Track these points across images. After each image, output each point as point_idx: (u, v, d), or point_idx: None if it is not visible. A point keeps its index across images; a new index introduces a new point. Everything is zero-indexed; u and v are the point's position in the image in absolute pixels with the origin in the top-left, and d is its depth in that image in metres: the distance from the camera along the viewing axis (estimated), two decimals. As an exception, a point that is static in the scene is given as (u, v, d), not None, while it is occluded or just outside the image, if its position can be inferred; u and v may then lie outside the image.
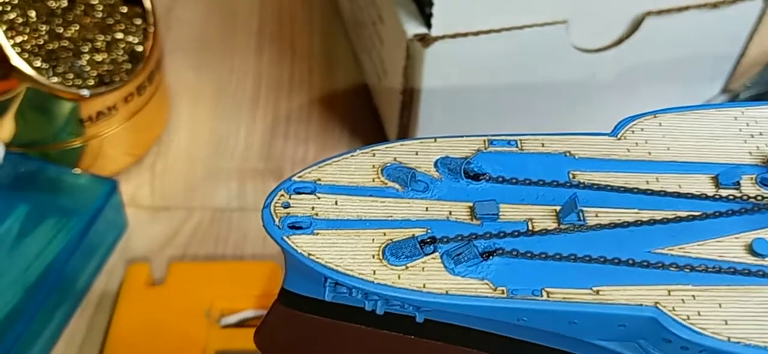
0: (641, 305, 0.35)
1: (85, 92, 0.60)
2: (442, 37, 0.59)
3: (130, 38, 0.63)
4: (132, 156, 0.67)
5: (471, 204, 0.38)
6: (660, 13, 0.63)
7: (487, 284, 0.35)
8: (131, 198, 0.65)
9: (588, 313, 0.35)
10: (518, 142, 0.40)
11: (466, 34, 0.60)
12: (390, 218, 0.37)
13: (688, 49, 0.66)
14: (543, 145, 0.40)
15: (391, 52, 0.64)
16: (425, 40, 0.59)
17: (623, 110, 0.64)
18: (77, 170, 0.62)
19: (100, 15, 0.63)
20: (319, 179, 0.38)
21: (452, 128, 0.64)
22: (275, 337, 0.43)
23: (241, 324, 0.57)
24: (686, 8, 0.63)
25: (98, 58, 0.62)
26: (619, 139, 0.41)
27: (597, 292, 0.35)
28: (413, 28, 0.60)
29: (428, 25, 0.59)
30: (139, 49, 0.63)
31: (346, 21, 0.77)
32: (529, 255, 0.36)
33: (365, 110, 0.71)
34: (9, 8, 0.58)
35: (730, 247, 0.37)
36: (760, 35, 0.67)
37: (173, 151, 0.69)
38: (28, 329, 0.54)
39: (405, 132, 0.66)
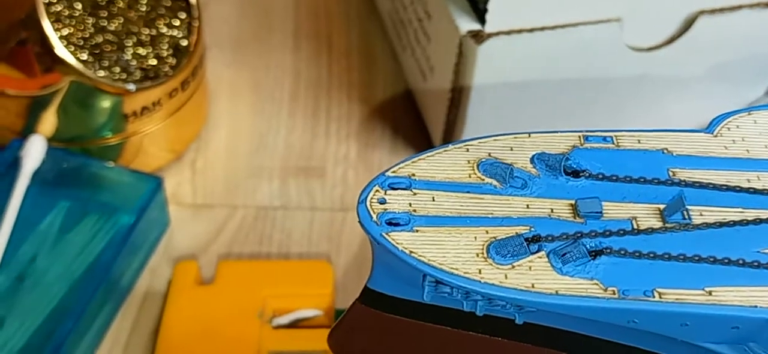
0: (756, 306, 0.33)
1: (131, 87, 0.58)
2: (497, 34, 0.58)
3: (175, 32, 0.62)
4: (173, 153, 0.65)
5: (572, 201, 0.36)
6: (713, 12, 0.62)
7: (597, 284, 0.33)
8: (172, 195, 0.63)
9: (702, 315, 0.33)
10: (614, 139, 0.39)
11: (520, 31, 0.59)
12: (491, 215, 0.36)
13: (738, 49, 0.65)
14: (639, 142, 0.39)
15: (439, 49, 0.62)
16: (479, 36, 0.57)
17: (672, 108, 0.63)
18: (121, 166, 0.60)
19: (144, 8, 0.61)
20: (414, 174, 0.37)
21: (501, 126, 0.62)
22: (353, 338, 0.41)
23: (294, 324, 0.55)
24: (739, 7, 0.62)
25: (142, 52, 0.60)
26: (716, 136, 0.39)
27: (710, 293, 0.34)
28: (466, 24, 0.58)
29: (482, 21, 0.57)
30: (184, 43, 0.62)
31: (384, 18, 0.75)
32: (637, 254, 0.34)
33: (406, 108, 0.69)
34: (55, 0, 0.56)
35: None
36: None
37: (213, 148, 0.67)
38: (75, 327, 0.52)
39: (451, 130, 0.64)
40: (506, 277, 0.34)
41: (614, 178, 0.37)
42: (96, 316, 0.55)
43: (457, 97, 0.62)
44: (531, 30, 0.59)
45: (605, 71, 0.63)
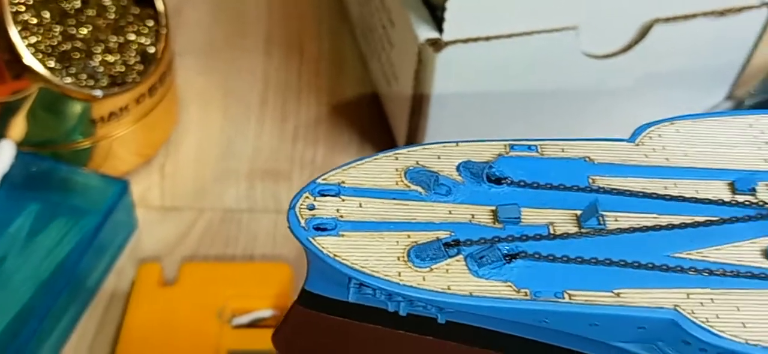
0: (661, 308, 0.36)
1: (98, 93, 0.60)
2: (454, 42, 0.60)
3: (142, 40, 0.64)
4: (142, 157, 0.68)
5: (493, 208, 0.39)
6: (668, 20, 0.64)
7: (510, 286, 0.36)
8: (141, 198, 0.66)
9: (609, 316, 0.36)
10: (538, 147, 0.41)
11: (477, 39, 0.61)
12: (413, 221, 0.38)
13: (695, 56, 0.67)
14: (563, 150, 0.41)
15: (401, 56, 0.64)
16: (437, 44, 0.60)
17: (630, 115, 0.65)
18: (88, 170, 0.62)
19: (112, 16, 0.64)
20: (344, 182, 0.39)
21: (462, 133, 0.65)
22: (294, 338, 0.43)
23: (253, 324, 0.58)
24: (694, 16, 0.64)
25: (110, 59, 0.62)
26: (638, 144, 0.42)
27: (618, 295, 0.36)
28: (425, 32, 0.60)
29: (440, 30, 0.60)
30: (151, 50, 0.64)
31: (354, 24, 0.78)
32: (551, 258, 0.37)
33: (373, 113, 0.72)
34: (23, 9, 0.59)
35: (747, 252, 0.38)
36: (765, 43, 0.68)
37: (182, 152, 0.69)
38: (41, 327, 0.55)
39: (414, 136, 0.67)
40: (424, 279, 0.36)
41: (535, 185, 0.40)
42: (61, 316, 0.58)
43: (418, 103, 0.64)
44: (488, 38, 0.61)
45: (563, 79, 0.65)
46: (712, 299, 0.36)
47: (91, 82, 0.61)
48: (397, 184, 0.39)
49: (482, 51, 0.61)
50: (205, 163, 0.69)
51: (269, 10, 0.80)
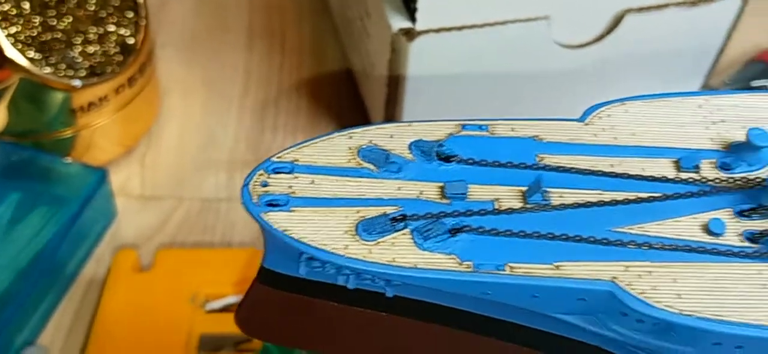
0: (599, 280, 0.37)
1: (77, 83, 0.62)
2: (427, 32, 0.62)
3: (122, 31, 0.66)
4: (123, 146, 0.69)
5: (441, 184, 0.40)
6: (640, 10, 0.66)
7: (453, 259, 0.38)
8: (121, 187, 0.68)
9: (549, 287, 0.37)
10: (489, 127, 0.43)
11: (449, 29, 0.62)
12: (363, 197, 0.40)
13: (668, 45, 0.68)
14: (513, 130, 0.43)
15: (377, 45, 0.66)
16: (410, 34, 0.61)
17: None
18: (69, 159, 0.64)
19: (93, 7, 0.65)
20: (297, 159, 0.41)
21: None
22: (255, 315, 0.45)
23: (226, 309, 0.59)
24: (666, 6, 0.66)
25: (90, 49, 0.64)
26: (587, 124, 0.43)
27: (557, 268, 0.37)
28: (398, 22, 0.62)
29: (413, 20, 0.61)
30: (131, 41, 0.66)
31: (335, 16, 0.79)
32: (494, 232, 0.38)
33: (353, 103, 0.73)
34: (3, 0, 0.61)
35: (687, 227, 0.39)
36: (738, 32, 0.70)
37: (163, 142, 0.71)
38: (19, 313, 0.57)
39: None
40: (370, 252, 0.38)
41: (483, 162, 0.41)
42: (40, 302, 0.59)
43: (393, 91, 0.66)
44: (460, 28, 0.63)
45: (536, 68, 0.67)
46: (650, 272, 0.38)
47: (71, 73, 0.63)
48: (349, 161, 0.41)
49: (455, 40, 0.63)
50: (186, 153, 0.70)
51: (251, 3, 0.82)
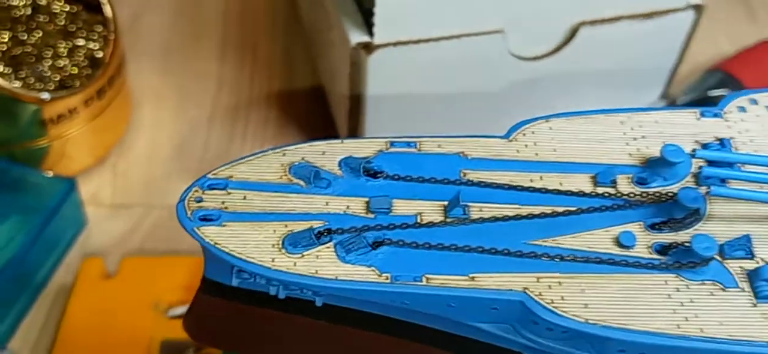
0: (511, 290, 0.40)
1: (46, 96, 0.65)
2: (384, 45, 0.64)
3: (91, 45, 0.69)
4: (94, 156, 0.72)
5: (367, 199, 0.43)
6: (594, 23, 0.68)
7: (373, 271, 0.40)
8: (92, 196, 0.70)
9: (463, 298, 0.40)
10: (417, 144, 0.45)
11: (406, 43, 0.65)
12: (292, 212, 0.42)
13: (625, 57, 0.71)
14: (440, 146, 0.45)
15: (339, 58, 0.69)
16: (368, 47, 0.64)
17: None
18: (40, 170, 0.67)
19: (62, 22, 0.68)
20: (232, 176, 0.44)
21: (398, 131, 0.69)
22: (200, 323, 0.48)
23: (188, 315, 0.62)
24: (619, 18, 0.68)
25: (60, 63, 0.67)
26: (511, 141, 0.46)
27: (472, 279, 0.40)
28: (357, 36, 0.65)
29: (371, 34, 0.64)
30: (99, 55, 0.69)
31: (306, 29, 0.82)
32: (414, 245, 0.41)
33: (321, 114, 0.76)
34: (-27, 16, 0.64)
35: (599, 239, 0.42)
36: (695, 43, 0.72)
37: (135, 152, 0.74)
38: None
39: (354, 135, 0.71)
40: (295, 264, 0.41)
41: (409, 178, 0.44)
42: (10, 309, 0.62)
43: (355, 103, 0.69)
44: (417, 41, 0.65)
45: (495, 80, 0.69)
46: (560, 282, 0.41)
47: (40, 86, 0.66)
48: (281, 178, 0.44)
49: (412, 53, 0.65)
50: (156, 162, 0.73)
51: (226, 15, 0.85)
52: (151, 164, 0.73)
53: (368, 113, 0.68)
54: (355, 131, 0.70)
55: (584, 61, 0.69)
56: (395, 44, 0.65)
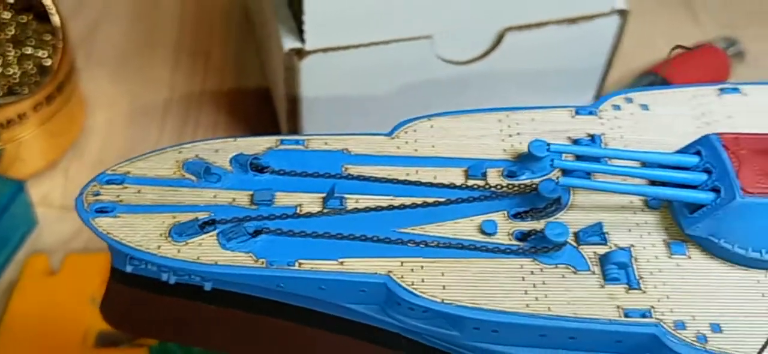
0: (376, 273, 0.45)
1: (-7, 101, 0.70)
2: (316, 51, 0.69)
3: (40, 53, 0.74)
4: (46, 160, 0.78)
5: (252, 192, 0.48)
6: (520, 28, 0.73)
7: (250, 256, 0.45)
8: (43, 197, 0.76)
9: (332, 280, 0.45)
10: (305, 141, 0.50)
11: (337, 49, 0.70)
12: (181, 204, 0.47)
13: (553, 61, 0.75)
14: (326, 143, 0.50)
15: (276, 63, 0.74)
16: (300, 53, 0.69)
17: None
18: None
19: (12, 31, 0.74)
20: (129, 172, 0.48)
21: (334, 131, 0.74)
22: (112, 309, 0.53)
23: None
24: (545, 24, 0.73)
25: (9, 71, 0.72)
26: (393, 138, 0.51)
27: (341, 263, 0.45)
28: (290, 42, 0.70)
29: (302, 40, 0.69)
30: (48, 63, 0.74)
31: (256, 36, 0.87)
32: (291, 233, 0.46)
33: (270, 118, 0.81)
34: (-77, 26, 0.69)
35: (464, 227, 0.47)
36: (624, 46, 0.77)
37: (87, 156, 0.79)
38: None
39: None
40: (179, 251, 0.46)
41: (293, 173, 0.49)
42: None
43: (293, 106, 0.74)
44: (347, 47, 0.70)
45: (426, 83, 0.74)
46: (422, 266, 0.45)
47: (-12, 92, 0.71)
48: (174, 173, 0.49)
49: (343, 58, 0.70)
50: (108, 166, 0.78)
51: (181, 23, 0.90)
52: (102, 167, 0.76)
53: (304, 115, 0.73)
54: (294, 132, 0.75)
55: (512, 66, 0.74)
56: (325, 50, 0.69)
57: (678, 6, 0.91)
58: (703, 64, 0.80)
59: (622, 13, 0.73)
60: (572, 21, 0.72)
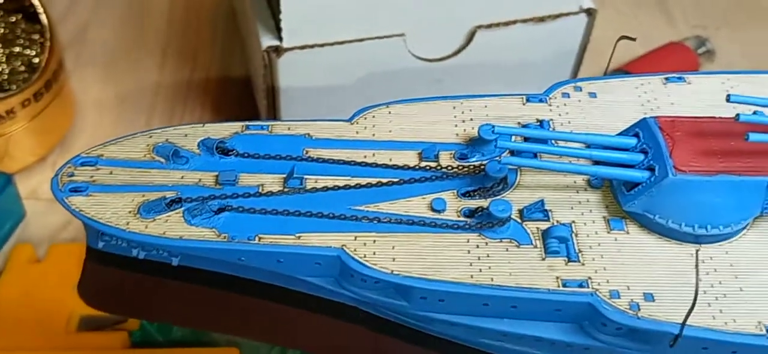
0: (330, 247, 0.48)
1: (-20, 97, 0.74)
2: (292, 49, 0.73)
3: (28, 51, 0.78)
4: (35, 155, 0.81)
5: (217, 173, 0.52)
6: (489, 26, 0.76)
7: (213, 232, 0.49)
8: (32, 191, 0.80)
9: (290, 254, 0.48)
10: (269, 126, 0.54)
11: (312, 46, 0.73)
12: (150, 184, 0.51)
13: (523, 58, 0.78)
14: (289, 129, 0.54)
15: (256, 61, 0.78)
16: (278, 51, 0.73)
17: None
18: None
19: (1, 31, 0.77)
20: (102, 154, 0.52)
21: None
22: (89, 287, 0.56)
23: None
24: (514, 22, 0.76)
25: (-1, 68, 0.76)
26: (353, 123, 0.54)
27: (299, 238, 0.49)
28: (268, 40, 0.73)
29: (280, 38, 0.73)
30: (36, 61, 0.78)
31: (241, 33, 0.91)
32: (252, 210, 0.50)
33: (253, 115, 0.84)
34: None
35: (415, 205, 0.50)
36: (598, 45, 0.80)
37: (75, 151, 0.82)
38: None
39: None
40: (146, 227, 0.49)
41: (257, 156, 0.53)
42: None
43: (272, 102, 0.77)
44: (322, 45, 0.74)
45: (400, 80, 0.77)
46: (374, 241, 0.49)
47: (-23, 89, 0.75)
48: (145, 156, 0.52)
49: (319, 56, 0.74)
50: (94, 161, 0.82)
51: (169, 24, 0.94)
52: (89, 163, 0.81)
53: (282, 111, 0.76)
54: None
55: (483, 64, 0.77)
56: (302, 48, 0.73)
57: (653, 6, 0.95)
58: (670, 62, 0.83)
59: (590, 12, 0.76)
60: (540, 20, 0.75)
